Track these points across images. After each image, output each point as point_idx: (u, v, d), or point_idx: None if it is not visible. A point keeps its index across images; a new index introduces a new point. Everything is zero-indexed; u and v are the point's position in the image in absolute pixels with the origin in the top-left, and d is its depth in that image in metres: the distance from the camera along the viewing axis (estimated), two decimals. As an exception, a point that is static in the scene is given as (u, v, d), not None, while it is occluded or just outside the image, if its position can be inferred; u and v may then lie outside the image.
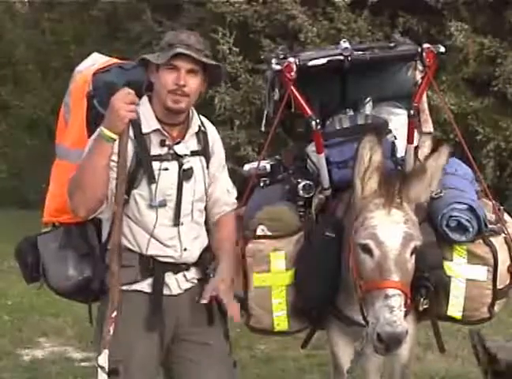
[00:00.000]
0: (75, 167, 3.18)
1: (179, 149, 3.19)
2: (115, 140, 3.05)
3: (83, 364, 5.70)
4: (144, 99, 3.21)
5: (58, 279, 3.29)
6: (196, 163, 3.24)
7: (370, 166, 3.16)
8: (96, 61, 3.47)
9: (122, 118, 3.02)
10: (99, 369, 3.06)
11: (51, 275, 3.30)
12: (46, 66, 14.13)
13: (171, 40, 3.12)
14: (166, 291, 3.20)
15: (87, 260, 3.25)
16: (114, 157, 3.08)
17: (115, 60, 3.47)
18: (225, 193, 3.38)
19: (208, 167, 3.28)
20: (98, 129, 3.07)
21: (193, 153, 3.23)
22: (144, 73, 3.21)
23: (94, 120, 3.21)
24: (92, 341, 5.65)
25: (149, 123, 3.15)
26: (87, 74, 3.37)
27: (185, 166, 3.18)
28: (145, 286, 3.17)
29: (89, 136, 3.21)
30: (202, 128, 3.30)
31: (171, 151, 3.17)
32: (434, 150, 3.22)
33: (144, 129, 3.14)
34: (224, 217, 3.37)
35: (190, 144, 3.23)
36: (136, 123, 3.11)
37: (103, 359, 3.05)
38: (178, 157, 3.18)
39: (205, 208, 3.32)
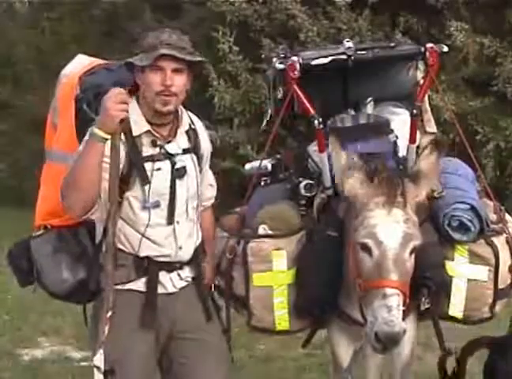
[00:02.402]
0: None
1: (171, 148, 3.19)
2: (107, 139, 3.02)
3: (82, 363, 5.69)
4: (132, 100, 3.19)
5: (53, 283, 3.29)
6: (188, 160, 3.24)
7: (350, 166, 3.17)
8: (80, 63, 3.44)
9: (113, 117, 3.00)
10: (95, 370, 3.05)
11: (46, 279, 3.30)
12: (46, 66, 14.06)
13: (153, 41, 3.10)
14: (161, 290, 3.20)
15: (81, 263, 3.25)
16: (107, 158, 3.06)
17: (101, 61, 3.45)
18: (209, 188, 3.46)
19: (199, 164, 3.30)
20: (90, 129, 3.04)
21: (185, 151, 3.24)
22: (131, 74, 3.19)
23: (83, 123, 3.20)
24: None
25: (139, 125, 3.15)
26: (73, 77, 3.34)
27: (177, 165, 3.18)
28: (140, 285, 3.18)
29: (78, 139, 3.20)
30: (192, 125, 3.30)
31: (163, 151, 3.17)
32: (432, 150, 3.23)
33: (135, 132, 3.14)
34: (204, 212, 3.45)
35: (181, 142, 3.23)
36: (127, 126, 3.09)
37: (99, 359, 3.04)
38: (170, 156, 3.18)
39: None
